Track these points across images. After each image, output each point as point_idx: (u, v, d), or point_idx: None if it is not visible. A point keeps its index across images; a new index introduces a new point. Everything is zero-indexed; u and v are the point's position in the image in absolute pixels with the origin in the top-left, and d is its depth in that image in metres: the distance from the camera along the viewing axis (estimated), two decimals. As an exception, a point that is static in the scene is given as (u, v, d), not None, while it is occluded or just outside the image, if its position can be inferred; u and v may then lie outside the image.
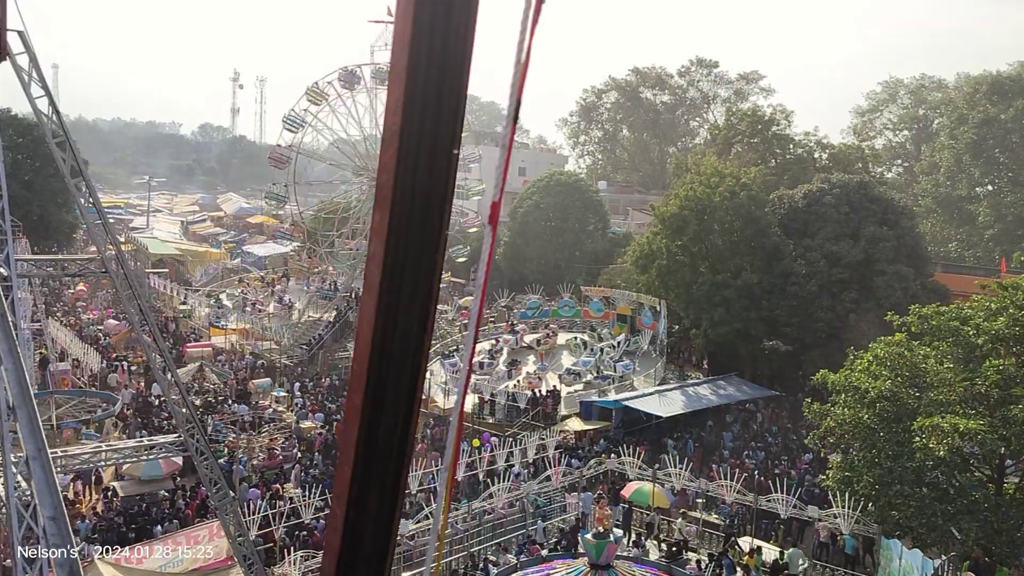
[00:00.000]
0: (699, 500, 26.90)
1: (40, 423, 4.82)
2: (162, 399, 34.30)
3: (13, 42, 11.18)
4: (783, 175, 48.82)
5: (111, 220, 69.29)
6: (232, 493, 17.40)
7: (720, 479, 25.83)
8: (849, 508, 22.06)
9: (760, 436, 35.38)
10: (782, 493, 23.58)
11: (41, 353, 37.98)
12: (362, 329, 1.96)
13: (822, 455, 29.93)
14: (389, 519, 2.07)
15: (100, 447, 18.26)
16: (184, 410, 15.65)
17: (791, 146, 52.02)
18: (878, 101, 77.57)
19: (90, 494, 26.41)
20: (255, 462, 29.01)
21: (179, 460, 26.37)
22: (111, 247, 15.14)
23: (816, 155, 52.25)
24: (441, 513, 2.35)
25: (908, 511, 20.80)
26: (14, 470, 6.50)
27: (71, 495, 25.50)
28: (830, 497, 23.71)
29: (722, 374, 39.20)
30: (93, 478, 27.03)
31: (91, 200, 14.16)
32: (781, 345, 40.25)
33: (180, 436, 15.34)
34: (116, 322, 46.31)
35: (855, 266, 36.98)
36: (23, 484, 6.21)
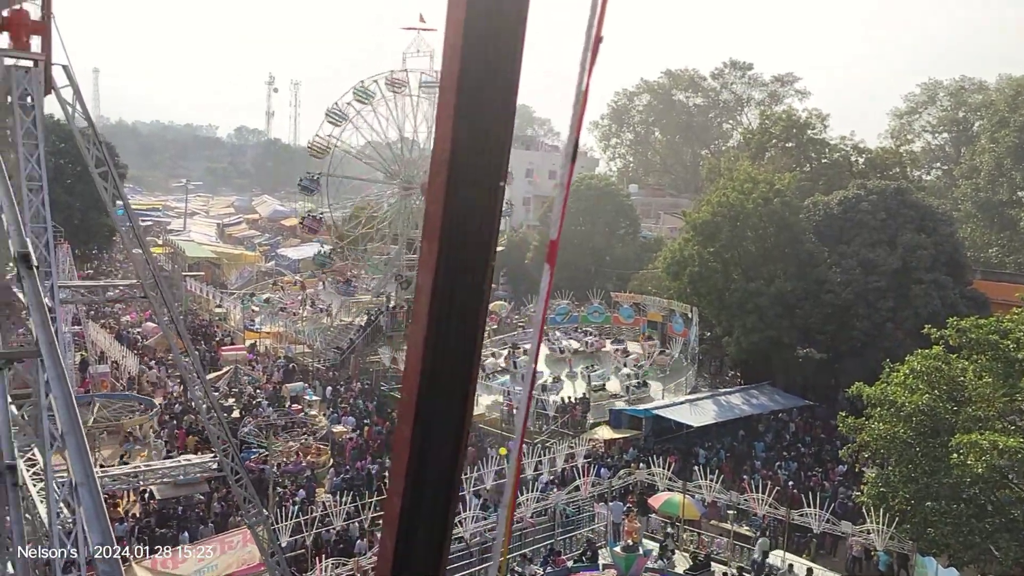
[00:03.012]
0: (730, 511, 26.68)
1: (88, 450, 4.94)
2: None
3: (57, 75, 11.54)
4: (818, 180, 48.26)
5: (149, 223, 70.35)
6: (265, 512, 17.65)
7: (751, 491, 25.63)
8: (883, 524, 21.75)
9: (793, 446, 34.98)
10: (815, 507, 23.31)
11: (81, 355, 38.79)
12: (411, 360, 1.99)
13: (857, 470, 29.55)
14: (438, 550, 2.10)
15: (139, 467, 18.67)
16: (219, 431, 15.89)
17: (827, 150, 51.38)
18: (916, 103, 76.24)
19: (128, 496, 26.87)
20: (289, 466, 29.30)
21: (214, 464, 26.83)
22: (143, 256, 15.41)
23: (852, 159, 51.57)
24: (505, 517, 2.36)
25: (945, 528, 20.42)
26: (56, 495, 6.67)
27: (107, 496, 26.01)
28: (864, 511, 23.42)
29: (754, 383, 38.84)
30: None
31: (134, 232, 14.52)
32: (815, 353, 39.80)
33: (216, 456, 15.61)
34: (154, 325, 47.00)
35: (892, 274, 36.46)
36: (64, 511, 6.38)
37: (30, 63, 10.25)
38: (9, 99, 10.03)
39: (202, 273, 63.28)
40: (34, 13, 10.69)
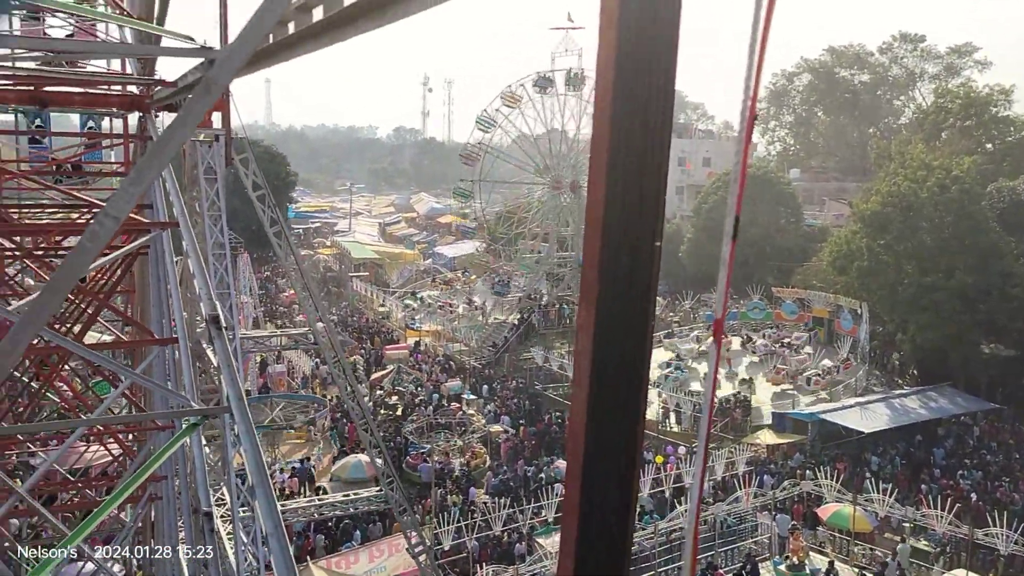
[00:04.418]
0: (905, 524, 25.13)
1: (276, 500, 5.34)
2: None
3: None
4: (1002, 162, 44.28)
5: (318, 224, 74.95)
6: (428, 542, 18.44)
7: (929, 506, 24.02)
8: (1086, 548, 19.81)
9: (977, 453, 32.41)
10: (1003, 527, 21.51)
11: (261, 356, 41.68)
12: (575, 424, 1.99)
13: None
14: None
15: (313, 500, 20.03)
16: (385, 468, 16.73)
17: (1012, 129, 46.99)
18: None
19: (304, 493, 28.69)
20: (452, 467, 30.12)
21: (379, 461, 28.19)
22: (313, 309, 16.35)
23: (1044, 136, 46.93)
24: (694, 512, 2.34)
25: None
26: (244, 539, 7.25)
27: (287, 492, 27.94)
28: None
29: (932, 384, 36.22)
30: (308, 477, 29.41)
31: (304, 283, 15.59)
32: (1002, 349, 36.69)
33: (381, 489, 16.48)
34: (323, 325, 49.68)
35: (1091, 266, 33.01)
36: (251, 559, 6.97)
37: (212, 138, 11.17)
38: (195, 172, 10.97)
39: (366, 273, 66.25)
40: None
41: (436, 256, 75.15)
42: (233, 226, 28.78)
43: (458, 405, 36.86)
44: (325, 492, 28.16)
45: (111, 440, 9.80)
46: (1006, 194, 37.13)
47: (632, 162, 1.88)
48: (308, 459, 30.46)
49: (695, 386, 37.08)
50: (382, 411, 36.15)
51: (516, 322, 47.85)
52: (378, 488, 17.40)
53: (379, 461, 16.87)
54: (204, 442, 8.77)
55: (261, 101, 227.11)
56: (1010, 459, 31.64)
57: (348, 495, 19.59)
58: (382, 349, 46.13)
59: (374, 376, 40.61)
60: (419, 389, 39.39)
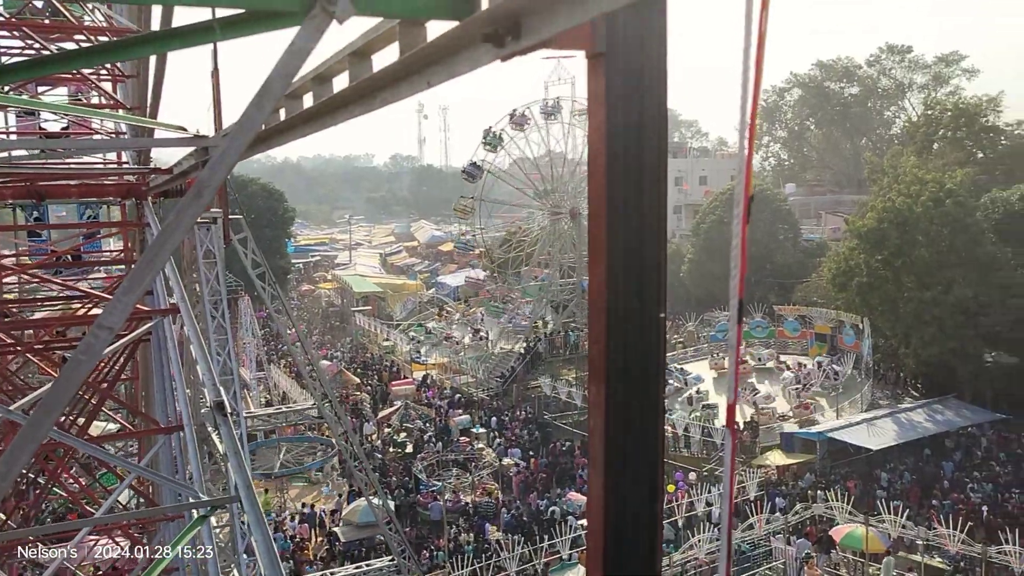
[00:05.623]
0: (918, 542, 25.14)
1: None
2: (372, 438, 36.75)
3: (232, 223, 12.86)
4: (995, 171, 44.57)
5: (318, 257, 74.57)
6: None
7: (940, 522, 24.09)
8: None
9: (986, 464, 32.45)
10: (1016, 544, 21.56)
11: (266, 399, 41.79)
12: (593, 510, 2.01)
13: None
14: None
15: (326, 574, 20.11)
16: (397, 536, 16.86)
17: (1002, 137, 47.36)
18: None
19: (315, 538, 28.74)
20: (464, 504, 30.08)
21: (392, 504, 28.15)
22: (317, 380, 16.56)
23: (1034, 143, 47.25)
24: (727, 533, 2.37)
25: None
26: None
27: (298, 538, 27.91)
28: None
29: (938, 396, 36.31)
30: (317, 522, 29.44)
31: (308, 359, 15.89)
32: (1005, 356, 36.77)
33: (394, 560, 16.69)
34: (328, 362, 49.83)
35: (1089, 273, 33.20)
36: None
37: (210, 220, 11.42)
38: (194, 253, 11.22)
39: (369, 307, 66.16)
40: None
41: (439, 286, 75.22)
42: (232, 268, 28.90)
43: (467, 439, 36.77)
44: (336, 537, 28.19)
45: (119, 533, 9.89)
46: (1000, 205, 37.35)
47: (631, 239, 1.92)
48: (317, 504, 30.42)
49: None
50: (391, 449, 36.16)
51: (522, 351, 47.94)
52: (390, 558, 17.56)
53: (387, 520, 16.99)
54: (214, 524, 8.94)
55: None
56: (1020, 470, 31.62)
57: (360, 567, 19.64)
58: (388, 385, 46.13)
59: (381, 414, 40.61)
60: (427, 425, 39.34)
